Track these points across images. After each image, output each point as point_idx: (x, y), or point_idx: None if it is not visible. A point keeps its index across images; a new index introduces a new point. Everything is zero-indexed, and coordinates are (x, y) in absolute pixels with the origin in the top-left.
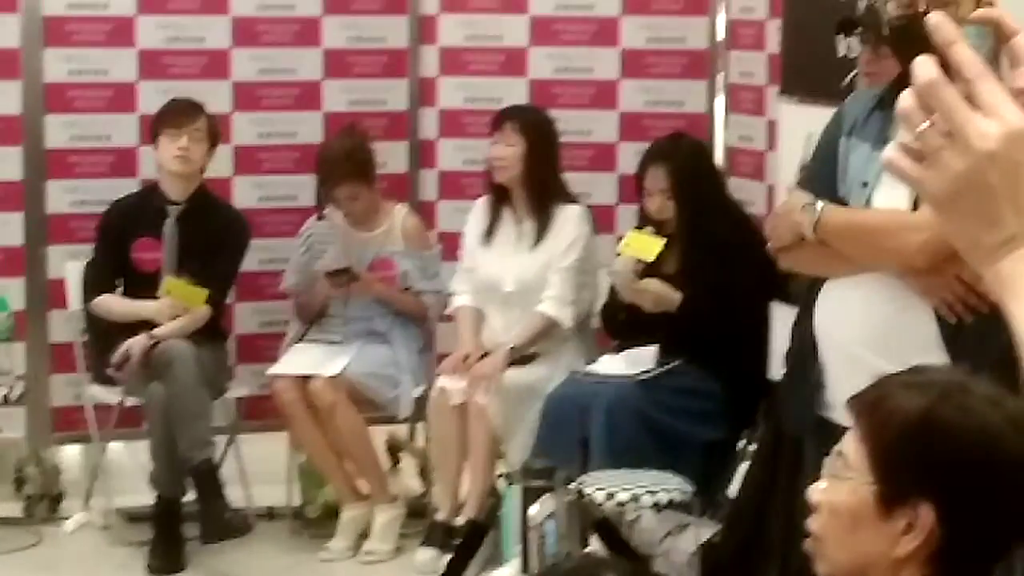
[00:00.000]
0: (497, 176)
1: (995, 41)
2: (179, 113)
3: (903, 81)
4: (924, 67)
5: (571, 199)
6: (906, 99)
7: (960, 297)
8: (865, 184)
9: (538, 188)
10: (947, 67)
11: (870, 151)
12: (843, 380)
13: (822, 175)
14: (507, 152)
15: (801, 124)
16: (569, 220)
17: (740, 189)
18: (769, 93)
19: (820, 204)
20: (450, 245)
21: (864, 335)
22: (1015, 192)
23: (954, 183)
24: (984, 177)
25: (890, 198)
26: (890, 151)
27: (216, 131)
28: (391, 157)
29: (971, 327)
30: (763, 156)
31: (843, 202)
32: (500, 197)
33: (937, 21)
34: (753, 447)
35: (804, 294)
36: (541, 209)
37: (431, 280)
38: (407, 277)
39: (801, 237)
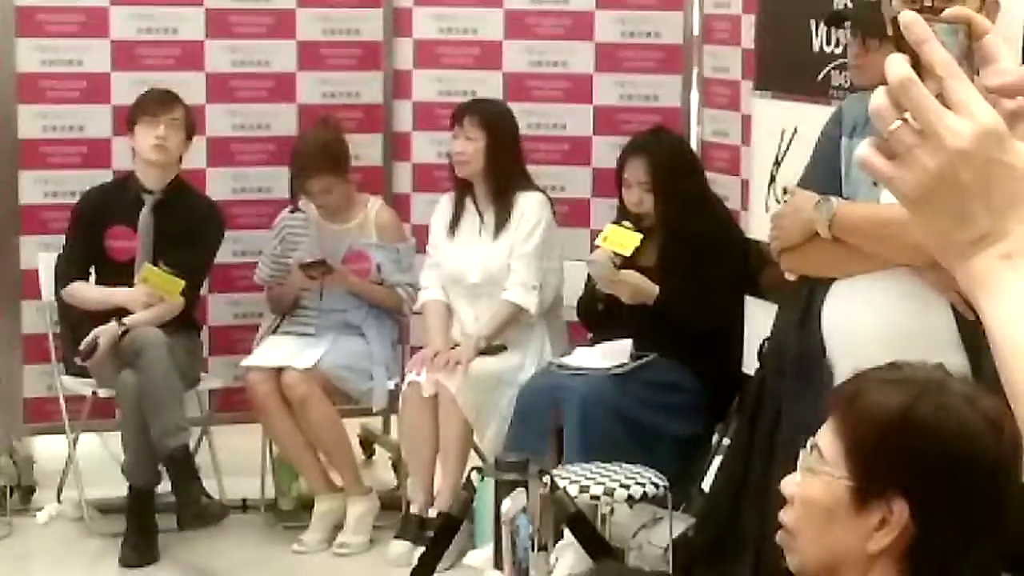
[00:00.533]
0: (459, 171)
1: (968, 40)
2: (157, 102)
3: None
4: (896, 65)
5: (531, 187)
6: (879, 98)
7: None
8: (876, 183)
9: (500, 180)
10: (921, 66)
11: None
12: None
13: (824, 176)
14: (468, 147)
15: (776, 119)
16: (528, 206)
17: (714, 184)
18: (744, 88)
19: (835, 200)
20: (424, 238)
21: (880, 335)
22: (987, 190)
23: (926, 181)
24: (956, 175)
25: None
26: (863, 149)
27: (192, 121)
28: (365, 150)
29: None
30: (738, 151)
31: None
32: (463, 190)
33: (909, 20)
34: (727, 441)
35: (805, 296)
36: (502, 199)
37: (405, 273)
38: (381, 270)
39: (812, 235)
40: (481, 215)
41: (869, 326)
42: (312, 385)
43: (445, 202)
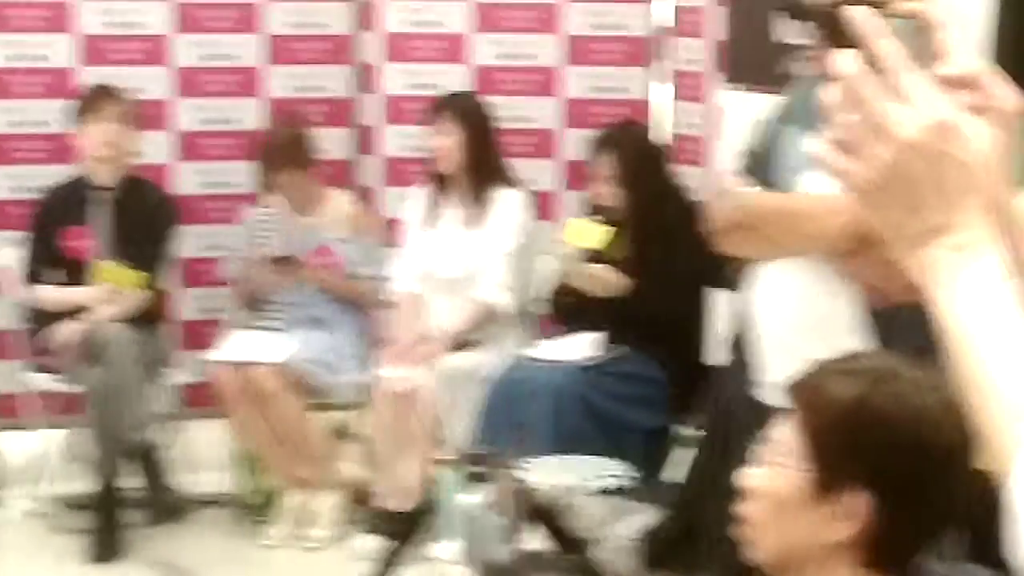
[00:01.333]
0: (438, 166)
1: (922, 33)
2: (100, 98)
3: None
4: (846, 61)
5: (511, 182)
6: (830, 93)
7: (883, 280)
8: (793, 170)
9: (479, 175)
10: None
11: (798, 135)
12: (775, 364)
13: (758, 162)
14: (446, 142)
15: (746, 112)
16: (510, 205)
17: (684, 177)
18: (713, 81)
19: (747, 189)
20: (394, 231)
21: (793, 320)
22: (939, 181)
23: (880, 173)
24: (908, 167)
25: (818, 182)
26: (815, 145)
27: (140, 114)
28: (333, 144)
29: (899, 312)
30: (707, 144)
31: (776, 188)
32: (440, 184)
33: (857, 14)
34: (693, 432)
35: (747, 277)
36: (481, 193)
37: (374, 266)
38: (351, 264)
39: (734, 222)
40: (459, 209)
41: (785, 310)
42: (280, 380)
43: (420, 195)
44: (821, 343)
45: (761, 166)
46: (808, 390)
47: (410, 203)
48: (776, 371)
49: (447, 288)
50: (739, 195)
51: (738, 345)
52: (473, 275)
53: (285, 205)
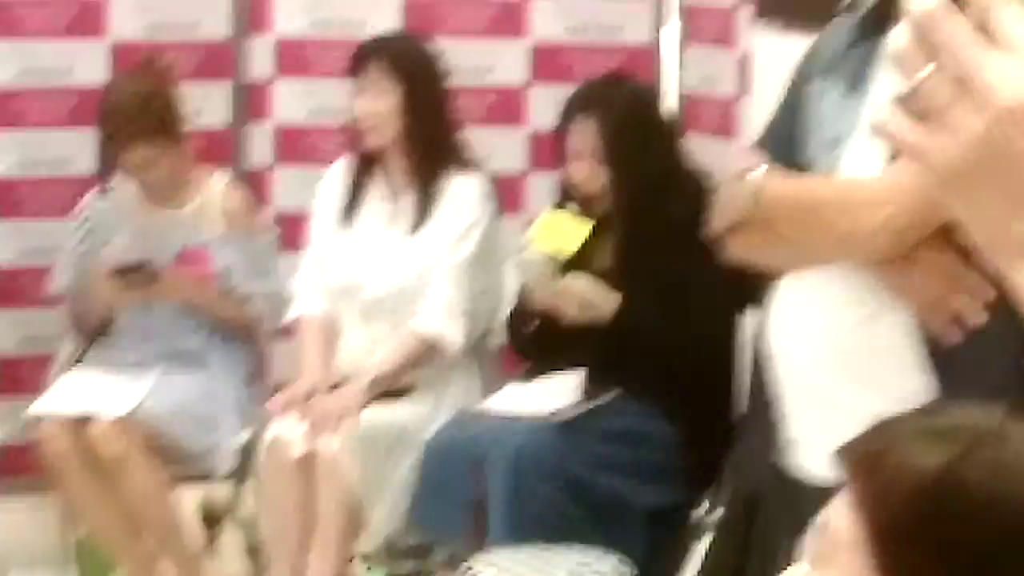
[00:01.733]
0: (366, 138)
1: None
2: None
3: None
4: None
5: (466, 164)
6: (900, 37)
7: (944, 299)
8: (834, 142)
9: (421, 152)
10: None
11: (843, 96)
12: (803, 416)
13: (783, 132)
14: (375, 106)
15: (786, 60)
16: (464, 197)
17: (700, 151)
18: (741, 18)
19: (760, 172)
20: (291, 230)
21: (825, 354)
22: None
23: (970, 150)
24: (1009, 141)
25: (863, 160)
26: (880, 111)
27: None
28: (207, 105)
29: (967, 341)
30: (732, 104)
31: (807, 168)
32: (367, 163)
33: None
34: (718, 514)
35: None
36: (425, 180)
37: (263, 279)
38: (229, 274)
39: (742, 216)
40: (394, 199)
41: (814, 341)
42: (130, 440)
43: (338, 176)
44: (865, 389)
45: (781, 138)
46: (873, 457)
47: (320, 190)
48: (805, 428)
49: (370, 312)
50: (748, 179)
51: (757, 390)
52: (408, 295)
53: (137, 192)
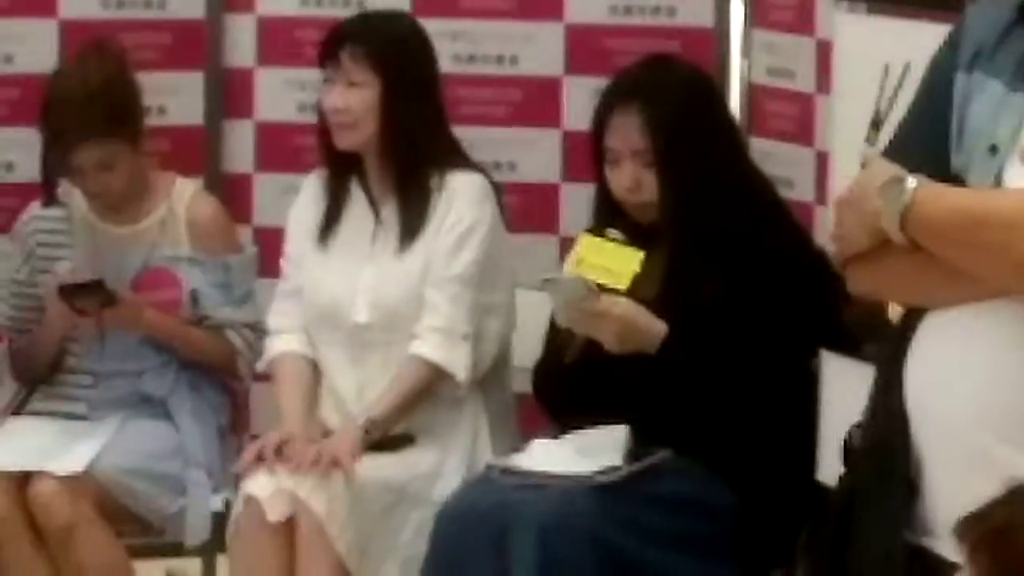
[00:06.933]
0: (338, 139)
1: None
2: None
3: None
4: None
5: (463, 164)
6: None
7: None
8: (994, 148)
9: (405, 153)
10: None
11: (1004, 93)
12: (955, 486)
13: (923, 135)
14: (350, 99)
15: (877, 49)
16: (459, 200)
17: (770, 157)
18: None
19: (912, 181)
20: (274, 248)
21: (989, 411)
22: None
23: None
24: None
25: None
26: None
27: None
28: (176, 98)
29: None
30: (810, 102)
31: (958, 180)
32: (345, 170)
33: None
34: None
35: (893, 340)
36: (411, 187)
37: (240, 306)
38: (199, 300)
39: (884, 237)
40: (376, 211)
41: (973, 395)
42: (81, 503)
43: (312, 189)
44: None
45: (919, 144)
46: (1000, 529)
47: (296, 204)
48: (954, 502)
49: (358, 346)
50: (890, 190)
51: (879, 454)
52: (402, 322)
53: (89, 202)
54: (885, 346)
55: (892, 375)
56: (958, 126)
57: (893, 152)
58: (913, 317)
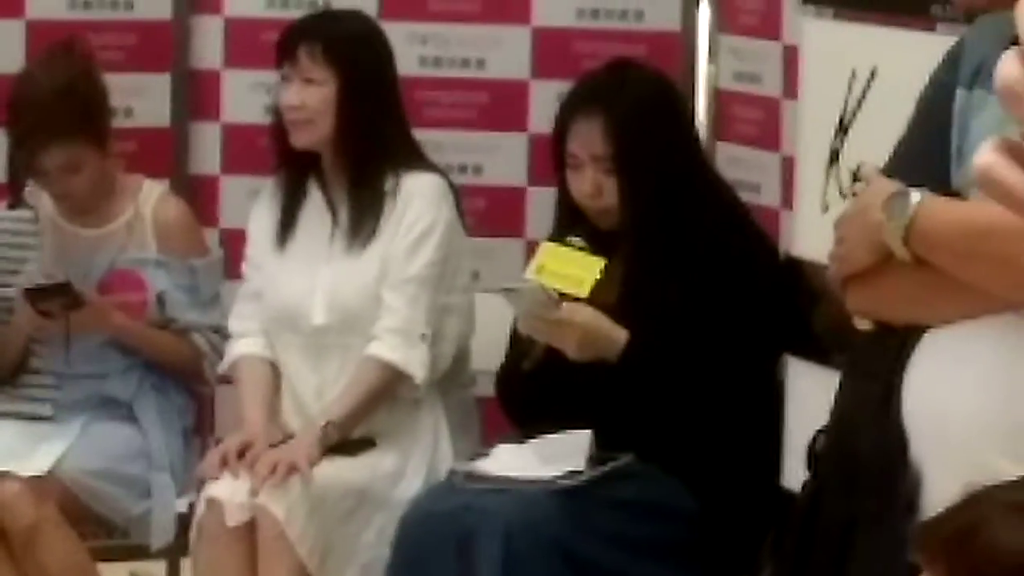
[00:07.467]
0: (294, 137)
1: None
2: None
3: None
4: None
5: (420, 164)
6: (1009, 67)
7: None
8: None
9: (362, 152)
10: None
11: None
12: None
13: (924, 152)
14: (307, 96)
15: (843, 54)
16: (417, 201)
17: (737, 162)
18: (787, 2)
19: (916, 195)
20: (241, 250)
21: (989, 425)
22: None
23: None
24: None
25: None
26: (986, 152)
27: None
28: (142, 99)
29: None
30: (777, 106)
31: (958, 196)
32: (301, 171)
33: None
34: None
35: (892, 356)
36: (364, 186)
37: (206, 309)
38: (165, 304)
39: (888, 254)
40: (333, 213)
41: (977, 412)
42: (45, 504)
43: (269, 193)
44: None
45: (918, 161)
46: (965, 535)
47: (255, 208)
48: None
49: (316, 348)
50: (894, 205)
51: (879, 472)
52: (359, 324)
53: (56, 204)
54: (865, 357)
55: (891, 387)
56: (958, 143)
57: (893, 169)
58: (911, 333)
